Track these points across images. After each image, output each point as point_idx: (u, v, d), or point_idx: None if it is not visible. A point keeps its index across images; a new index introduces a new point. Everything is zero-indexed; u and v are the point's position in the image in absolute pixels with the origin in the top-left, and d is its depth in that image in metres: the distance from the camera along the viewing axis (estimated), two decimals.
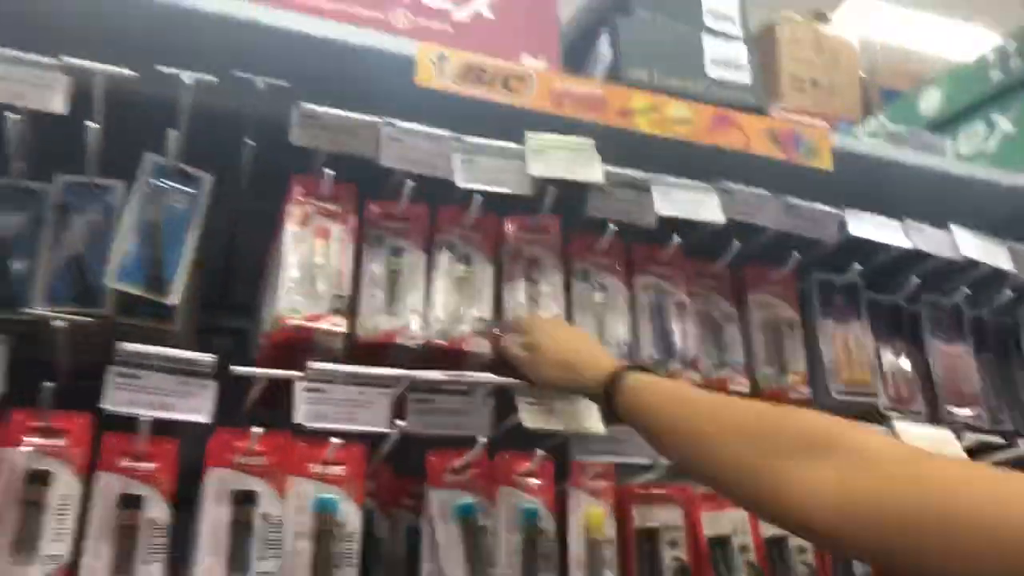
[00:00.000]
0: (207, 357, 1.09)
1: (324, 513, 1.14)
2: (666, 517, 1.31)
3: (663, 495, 1.33)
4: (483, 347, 1.31)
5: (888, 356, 1.59)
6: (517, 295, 1.38)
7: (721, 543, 1.32)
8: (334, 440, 1.14)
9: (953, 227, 1.59)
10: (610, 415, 1.12)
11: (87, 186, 1.24)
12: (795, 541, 1.37)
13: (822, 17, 2.88)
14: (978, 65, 1.87)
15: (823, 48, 2.79)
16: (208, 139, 1.23)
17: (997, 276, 1.65)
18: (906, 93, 2.11)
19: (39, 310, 1.13)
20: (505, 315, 1.35)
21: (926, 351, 1.63)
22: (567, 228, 1.45)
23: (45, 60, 1.13)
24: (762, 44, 2.76)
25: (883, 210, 1.58)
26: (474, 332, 1.30)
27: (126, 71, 1.16)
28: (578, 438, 1.24)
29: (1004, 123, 1.78)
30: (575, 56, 1.62)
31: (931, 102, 1.95)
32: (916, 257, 1.60)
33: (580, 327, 1.38)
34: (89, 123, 1.16)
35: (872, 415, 1.50)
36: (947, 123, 1.90)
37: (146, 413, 1.06)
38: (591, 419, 1.21)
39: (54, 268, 1.19)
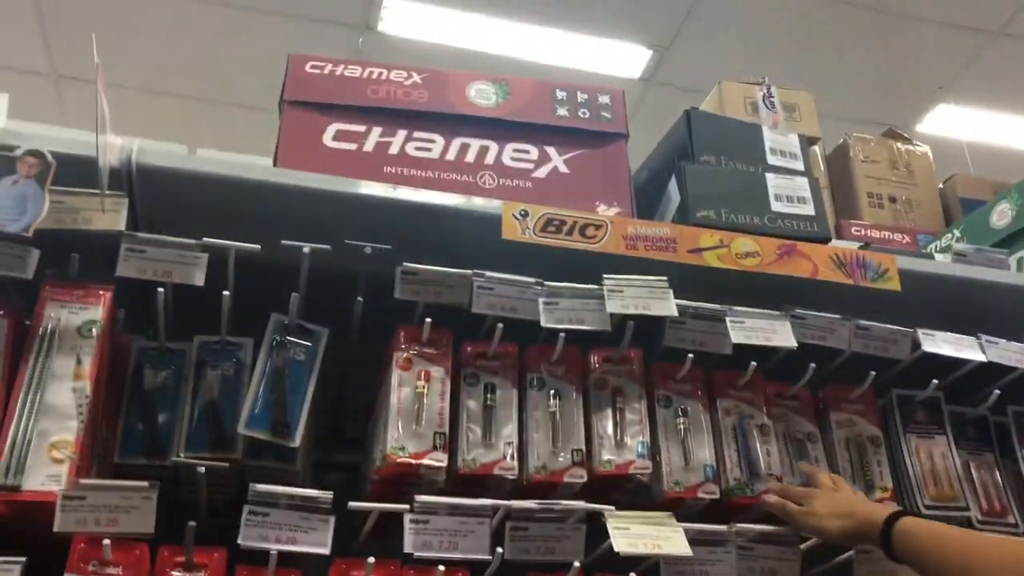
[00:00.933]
0: (326, 494, 1.22)
1: None
2: None
3: None
4: (577, 478, 1.41)
5: (976, 468, 1.61)
6: (605, 424, 1.48)
7: None
8: (440, 569, 1.25)
9: None
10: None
11: (220, 344, 1.42)
12: None
13: (895, 135, 2.97)
14: None
15: (898, 164, 2.88)
16: (324, 297, 1.41)
17: None
18: (980, 208, 2.17)
19: (182, 457, 1.30)
20: (596, 444, 1.45)
21: (1018, 461, 1.64)
22: (648, 358, 1.56)
23: (188, 241, 1.33)
24: (836, 165, 2.87)
25: (960, 324, 1.64)
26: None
27: (254, 246, 1.35)
28: (667, 560, 1.31)
29: None
30: (646, 204, 1.77)
31: (1003, 215, 2.00)
32: (996, 369, 1.64)
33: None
34: (224, 292, 1.35)
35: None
36: (1020, 235, 1.95)
37: (276, 547, 1.19)
38: (678, 542, 1.28)
39: (192, 418, 1.37)
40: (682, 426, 1.50)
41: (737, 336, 1.48)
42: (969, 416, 1.67)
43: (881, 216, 2.71)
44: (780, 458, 1.52)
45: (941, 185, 2.92)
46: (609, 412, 1.49)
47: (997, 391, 1.63)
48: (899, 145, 2.91)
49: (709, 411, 1.54)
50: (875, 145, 2.88)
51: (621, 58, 5.23)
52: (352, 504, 1.22)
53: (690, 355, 1.51)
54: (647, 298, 1.46)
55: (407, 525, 1.23)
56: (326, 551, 1.20)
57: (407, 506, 1.25)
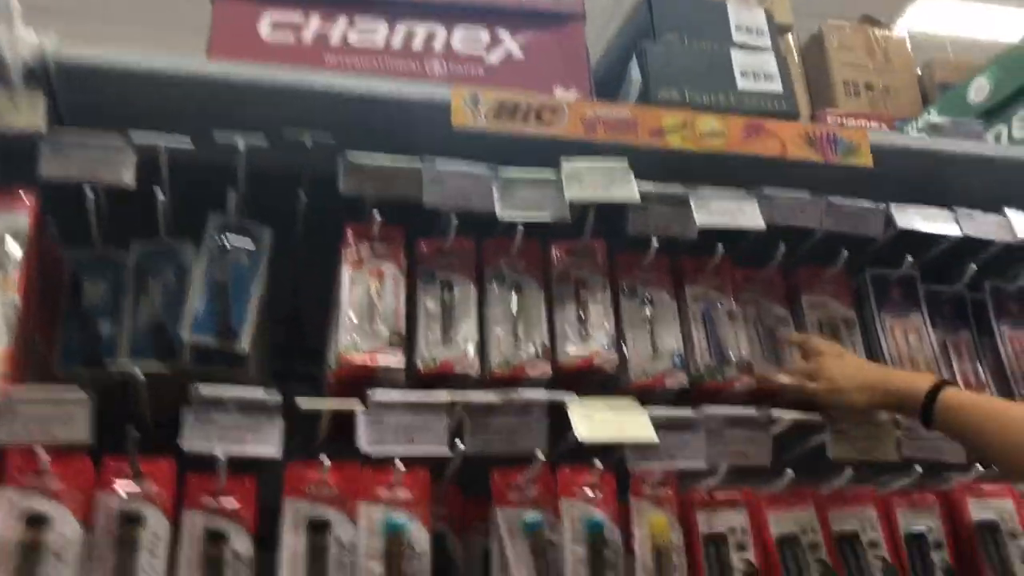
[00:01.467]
0: (274, 394, 1.17)
1: (394, 535, 1.20)
2: (732, 521, 1.33)
3: (727, 499, 1.34)
4: (541, 371, 1.36)
5: (953, 347, 1.57)
6: (569, 317, 1.43)
7: (790, 543, 1.32)
8: (399, 465, 1.20)
9: (1008, 211, 1.57)
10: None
11: (160, 249, 1.35)
12: (868, 536, 1.36)
13: (871, 21, 2.86)
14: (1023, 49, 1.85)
15: (875, 51, 2.78)
16: (269, 199, 1.34)
17: None
18: (956, 85, 2.09)
19: (124, 367, 1.24)
20: (560, 337, 1.40)
21: (994, 337, 1.60)
22: (613, 248, 1.50)
23: (113, 137, 1.25)
24: (810, 55, 2.77)
25: (936, 201, 1.58)
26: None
27: (185, 142, 1.27)
28: (633, 448, 1.27)
29: None
30: (608, 87, 1.68)
31: (981, 91, 1.93)
32: (972, 245, 1.58)
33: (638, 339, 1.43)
34: (158, 191, 1.27)
35: None
36: (998, 110, 1.88)
37: (222, 451, 1.14)
38: (643, 428, 1.24)
39: (135, 327, 1.31)
40: (648, 315, 1.45)
41: (702, 218, 1.41)
42: (945, 294, 1.62)
43: (858, 104, 2.63)
44: (751, 343, 1.48)
45: (919, 71, 2.84)
46: (573, 305, 1.44)
47: (974, 266, 1.58)
48: (875, 31, 2.81)
49: (676, 299, 1.49)
50: (850, 32, 2.77)
51: None
52: (302, 403, 1.17)
53: (654, 241, 1.44)
54: (607, 182, 1.39)
55: (360, 422, 1.19)
56: (276, 454, 1.16)
57: (360, 403, 1.19)
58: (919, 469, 1.38)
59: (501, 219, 1.35)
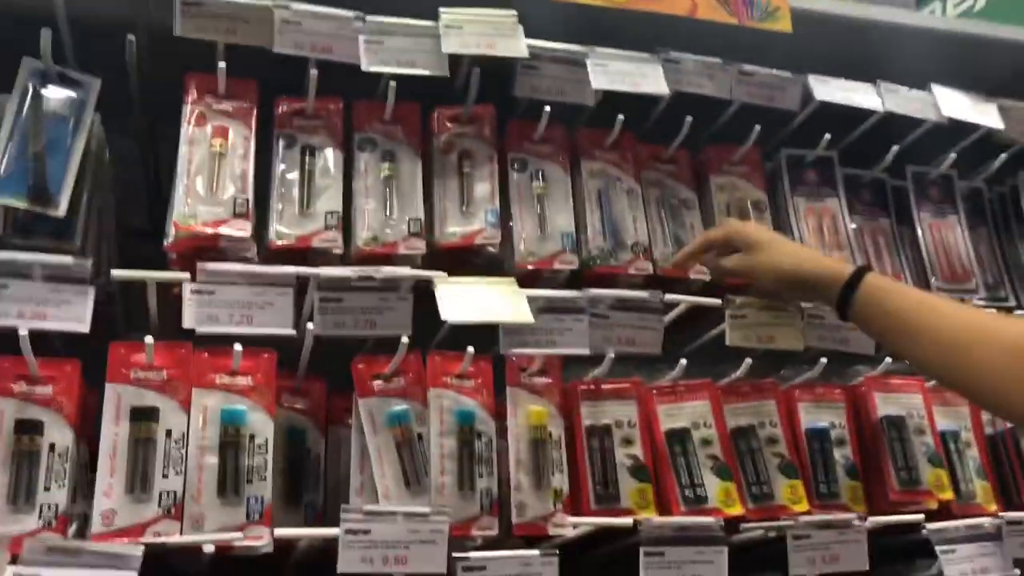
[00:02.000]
0: (81, 261, 1.01)
1: (231, 425, 1.06)
2: (618, 413, 1.21)
3: (614, 389, 1.22)
4: (414, 249, 1.22)
5: (869, 233, 1.46)
6: (449, 191, 1.27)
7: (680, 438, 1.21)
8: (237, 347, 1.06)
9: (934, 87, 1.44)
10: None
11: None
12: (766, 432, 1.26)
13: None
14: None
15: None
16: (99, 49, 1.15)
17: (991, 141, 1.50)
18: None
19: None
20: (439, 213, 1.25)
21: (914, 226, 1.49)
22: (503, 117, 1.34)
23: None
24: None
25: (859, 77, 1.45)
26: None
27: None
28: (509, 333, 1.14)
29: None
30: None
31: None
32: (895, 126, 1.46)
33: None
34: None
35: None
36: None
37: (20, 323, 0.97)
38: (518, 309, 1.11)
39: None
40: (538, 191, 1.30)
41: (599, 81, 1.26)
42: (865, 179, 1.50)
43: None
44: (651, 226, 1.34)
45: None
46: (455, 178, 1.28)
47: (896, 147, 1.45)
48: None
49: (571, 175, 1.34)
50: None
51: None
52: (115, 273, 1.00)
53: (547, 107, 1.29)
54: (492, 35, 1.22)
55: (187, 297, 1.03)
56: (83, 327, 1.00)
57: (187, 274, 1.03)
58: (823, 360, 1.27)
59: (366, 70, 1.17)
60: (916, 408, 1.35)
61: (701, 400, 1.24)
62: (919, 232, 1.48)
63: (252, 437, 1.06)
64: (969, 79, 1.51)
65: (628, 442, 1.20)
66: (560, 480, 1.16)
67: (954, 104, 1.42)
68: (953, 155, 1.49)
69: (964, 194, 1.53)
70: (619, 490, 1.18)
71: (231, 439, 1.05)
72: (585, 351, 1.16)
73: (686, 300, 1.21)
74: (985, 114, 1.43)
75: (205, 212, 1.13)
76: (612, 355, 1.18)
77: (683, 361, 1.21)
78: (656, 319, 1.21)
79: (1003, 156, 1.52)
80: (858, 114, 1.44)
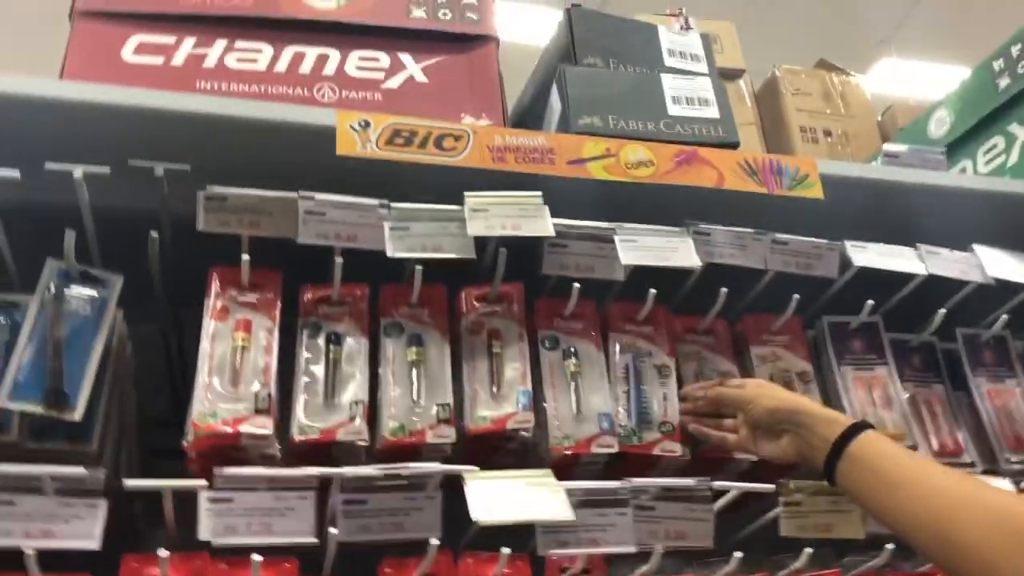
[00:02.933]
0: (96, 472, 0.95)
1: None
2: None
3: None
4: (443, 437, 1.15)
5: (924, 402, 1.37)
6: (479, 374, 1.22)
7: None
8: (256, 558, 0.98)
9: (976, 247, 1.40)
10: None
11: None
12: None
13: (828, 66, 2.75)
14: (983, 75, 1.71)
15: (832, 96, 2.66)
16: (122, 243, 1.14)
17: None
18: (915, 119, 1.94)
19: None
20: (468, 397, 1.20)
21: (971, 392, 1.41)
22: (532, 295, 1.31)
23: None
24: (765, 101, 2.64)
25: (894, 240, 1.41)
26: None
27: (11, 172, 1.07)
28: (546, 530, 1.06)
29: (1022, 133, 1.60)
30: (533, 120, 1.52)
31: (941, 123, 1.78)
32: (940, 289, 1.40)
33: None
34: None
35: None
36: (961, 144, 1.73)
37: (26, 543, 0.91)
38: (555, 505, 1.03)
39: None
40: (571, 370, 1.25)
41: (629, 257, 1.23)
42: (913, 343, 1.44)
43: (816, 151, 2.49)
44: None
45: (880, 118, 2.72)
46: (485, 359, 1.23)
47: (943, 311, 1.39)
48: (832, 76, 2.69)
49: (604, 351, 1.29)
50: (806, 77, 2.65)
51: None
52: (128, 483, 0.95)
53: (576, 284, 1.25)
54: (518, 216, 1.20)
55: (202, 506, 0.96)
56: (93, 544, 0.93)
57: (203, 482, 0.98)
58: (889, 547, 1.17)
59: (392, 256, 1.15)
60: None
61: None
62: (976, 399, 1.40)
63: None
64: (1010, 235, 1.47)
65: None
66: None
67: (999, 264, 1.37)
68: (1005, 316, 1.42)
69: (1020, 355, 1.45)
70: None
71: None
72: (632, 549, 1.07)
73: (737, 487, 1.13)
74: None
75: (225, 409, 1.08)
76: (660, 550, 1.09)
77: (737, 554, 1.11)
78: (705, 509, 1.12)
79: None
80: (898, 278, 1.40)
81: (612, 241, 1.24)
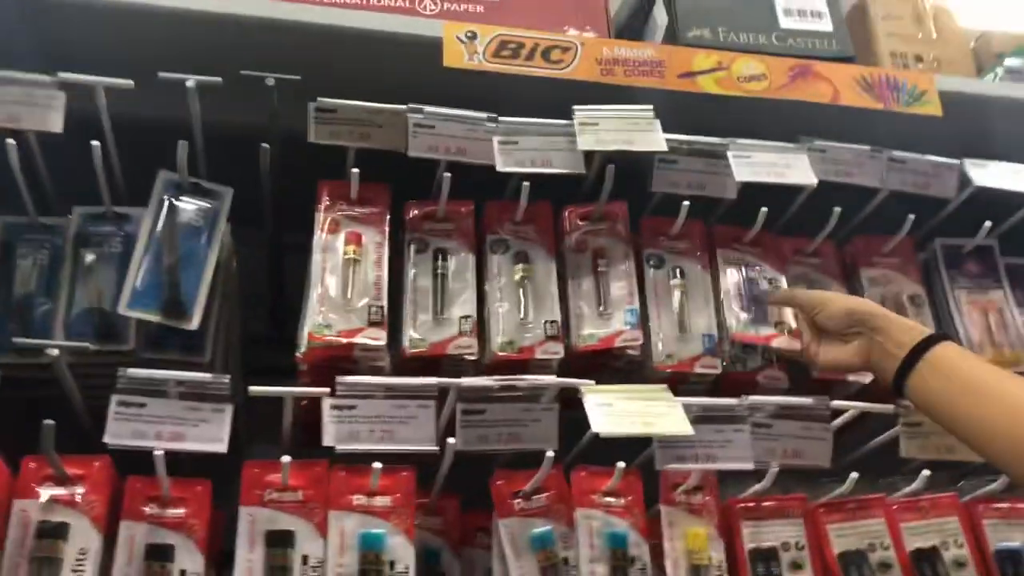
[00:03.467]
0: (221, 378, 0.96)
1: (371, 551, 0.98)
2: (784, 534, 1.09)
3: (778, 507, 1.11)
4: (552, 353, 1.15)
5: None
6: (585, 291, 1.21)
7: (856, 561, 1.09)
8: (376, 465, 0.99)
9: None
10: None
11: (104, 216, 1.15)
12: (951, 554, 1.12)
13: None
14: None
15: (924, 21, 2.54)
16: (232, 156, 1.13)
17: None
18: (1020, 45, 1.84)
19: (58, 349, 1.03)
20: (575, 315, 1.19)
21: None
22: (638, 213, 1.28)
23: (40, 78, 1.05)
24: (855, 24, 2.54)
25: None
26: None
27: (124, 81, 1.07)
28: (664, 446, 1.04)
29: None
30: (629, 37, 1.47)
31: None
32: None
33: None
34: (94, 143, 1.07)
35: None
36: None
37: (156, 445, 0.93)
38: (676, 420, 1.01)
39: (75, 305, 1.11)
40: (677, 289, 1.23)
41: (743, 173, 1.19)
42: None
43: None
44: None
45: (974, 43, 2.60)
46: (590, 277, 1.22)
47: None
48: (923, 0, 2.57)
49: (710, 271, 1.26)
50: (897, 1, 2.54)
51: None
52: (254, 389, 0.95)
53: (685, 202, 1.22)
54: (629, 130, 1.17)
55: (326, 413, 0.97)
56: (221, 447, 0.94)
57: (327, 389, 0.98)
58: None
59: (502, 170, 1.13)
60: None
61: (875, 519, 1.11)
62: None
63: (392, 564, 0.98)
64: None
65: (797, 566, 1.08)
66: None
67: None
68: None
69: None
70: None
71: (371, 566, 0.97)
72: (749, 465, 1.06)
73: (856, 406, 1.10)
74: None
75: (339, 321, 1.08)
76: (776, 468, 1.07)
77: (854, 474, 1.09)
78: (823, 428, 1.10)
79: None
80: (1014, 199, 1.34)
81: (724, 157, 1.21)
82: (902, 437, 1.11)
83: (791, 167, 1.21)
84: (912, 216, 1.29)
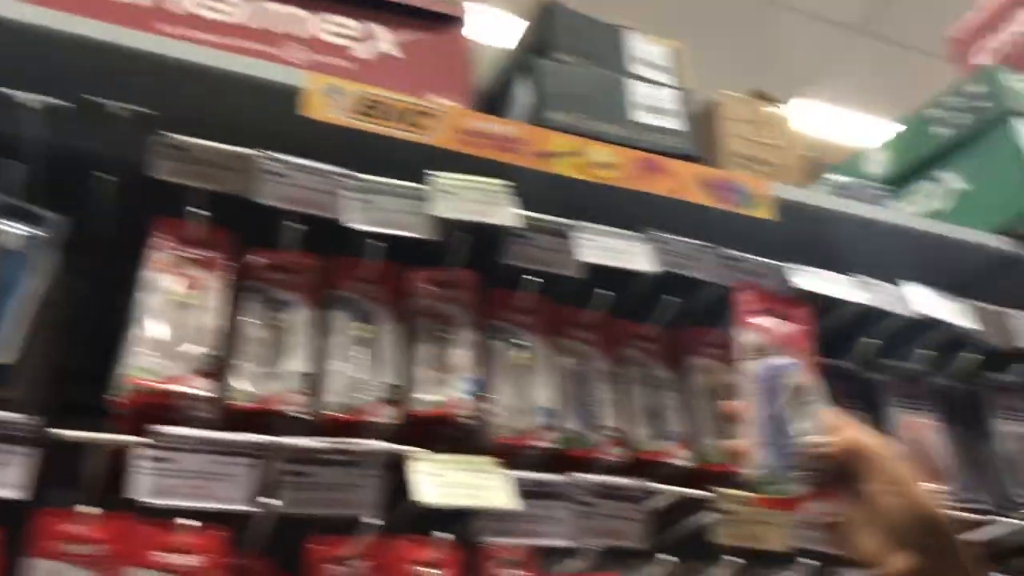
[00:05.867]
0: (27, 419, 0.89)
1: None
2: None
3: None
4: (386, 418, 1.13)
5: None
6: (426, 356, 1.20)
7: None
8: (182, 521, 0.94)
9: (902, 283, 1.46)
10: None
11: None
12: None
13: (762, 95, 2.83)
14: (918, 123, 1.79)
15: (762, 125, 2.73)
16: (71, 183, 1.07)
17: (960, 339, 1.51)
18: (848, 159, 2.02)
19: None
20: (413, 380, 1.18)
21: (888, 422, 1.47)
22: (485, 284, 1.30)
23: None
24: (705, 123, 2.69)
25: (836, 268, 1.46)
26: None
27: None
28: (487, 517, 1.04)
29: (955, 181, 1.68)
30: (492, 109, 1.51)
31: (877, 165, 1.85)
32: (869, 319, 1.46)
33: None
34: None
35: None
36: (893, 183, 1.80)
37: None
38: (503, 493, 1.02)
39: None
40: (518, 362, 1.24)
41: (588, 255, 1.23)
42: (840, 370, 1.48)
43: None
44: (624, 408, 1.29)
45: (809, 152, 2.81)
46: (432, 343, 1.21)
47: (872, 341, 1.45)
48: (763, 107, 2.77)
49: (552, 347, 1.28)
50: (741, 104, 2.72)
51: None
52: (60, 433, 0.89)
53: (534, 279, 1.25)
54: (484, 203, 1.19)
55: (140, 464, 0.91)
56: (19, 494, 0.87)
57: (141, 439, 0.93)
58: (814, 563, 1.20)
59: (348, 225, 1.12)
60: None
61: None
62: (892, 429, 1.46)
63: None
64: (932, 275, 1.54)
65: None
66: None
67: (923, 301, 1.43)
68: (923, 352, 1.49)
69: (935, 390, 1.52)
70: None
71: None
72: (571, 543, 1.07)
73: (672, 491, 1.14)
74: (956, 313, 1.44)
75: (163, 367, 1.03)
76: (596, 547, 1.09)
77: (669, 557, 1.12)
78: (638, 509, 1.13)
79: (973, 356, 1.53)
80: (832, 304, 1.44)
81: (572, 238, 1.24)
82: (719, 523, 1.16)
83: (634, 254, 1.26)
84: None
